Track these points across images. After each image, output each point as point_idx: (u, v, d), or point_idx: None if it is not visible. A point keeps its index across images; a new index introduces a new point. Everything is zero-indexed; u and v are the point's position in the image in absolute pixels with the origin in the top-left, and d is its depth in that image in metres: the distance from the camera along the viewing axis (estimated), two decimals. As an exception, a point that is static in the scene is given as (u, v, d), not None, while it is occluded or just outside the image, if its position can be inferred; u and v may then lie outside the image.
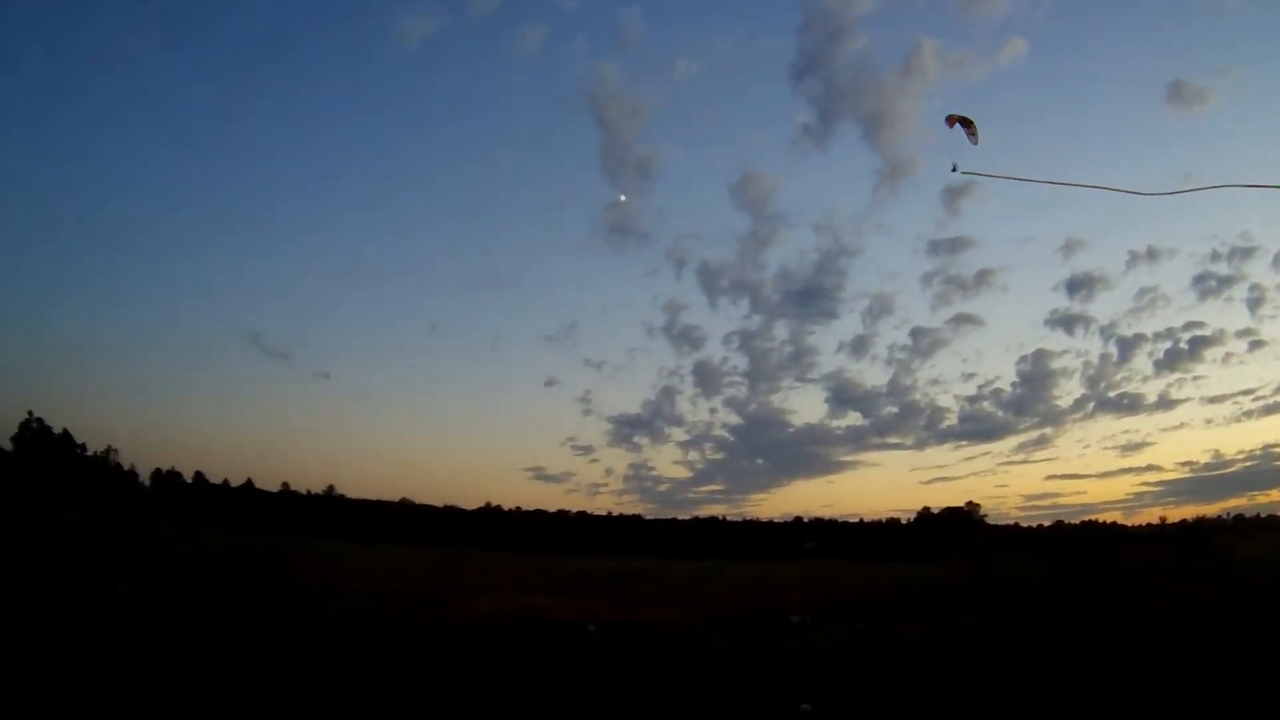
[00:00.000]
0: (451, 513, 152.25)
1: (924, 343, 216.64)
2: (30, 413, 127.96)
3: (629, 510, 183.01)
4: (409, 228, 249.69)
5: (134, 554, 37.46)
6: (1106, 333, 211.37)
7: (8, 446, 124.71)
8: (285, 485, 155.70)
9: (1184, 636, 21.65)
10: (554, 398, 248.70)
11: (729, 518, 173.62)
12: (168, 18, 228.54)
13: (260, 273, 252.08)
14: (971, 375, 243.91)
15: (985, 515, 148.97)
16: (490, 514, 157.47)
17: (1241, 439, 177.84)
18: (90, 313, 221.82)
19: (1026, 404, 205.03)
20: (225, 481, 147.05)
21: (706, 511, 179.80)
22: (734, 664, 19.61)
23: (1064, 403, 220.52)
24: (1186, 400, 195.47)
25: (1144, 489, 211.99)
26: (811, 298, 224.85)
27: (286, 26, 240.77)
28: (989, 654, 19.93)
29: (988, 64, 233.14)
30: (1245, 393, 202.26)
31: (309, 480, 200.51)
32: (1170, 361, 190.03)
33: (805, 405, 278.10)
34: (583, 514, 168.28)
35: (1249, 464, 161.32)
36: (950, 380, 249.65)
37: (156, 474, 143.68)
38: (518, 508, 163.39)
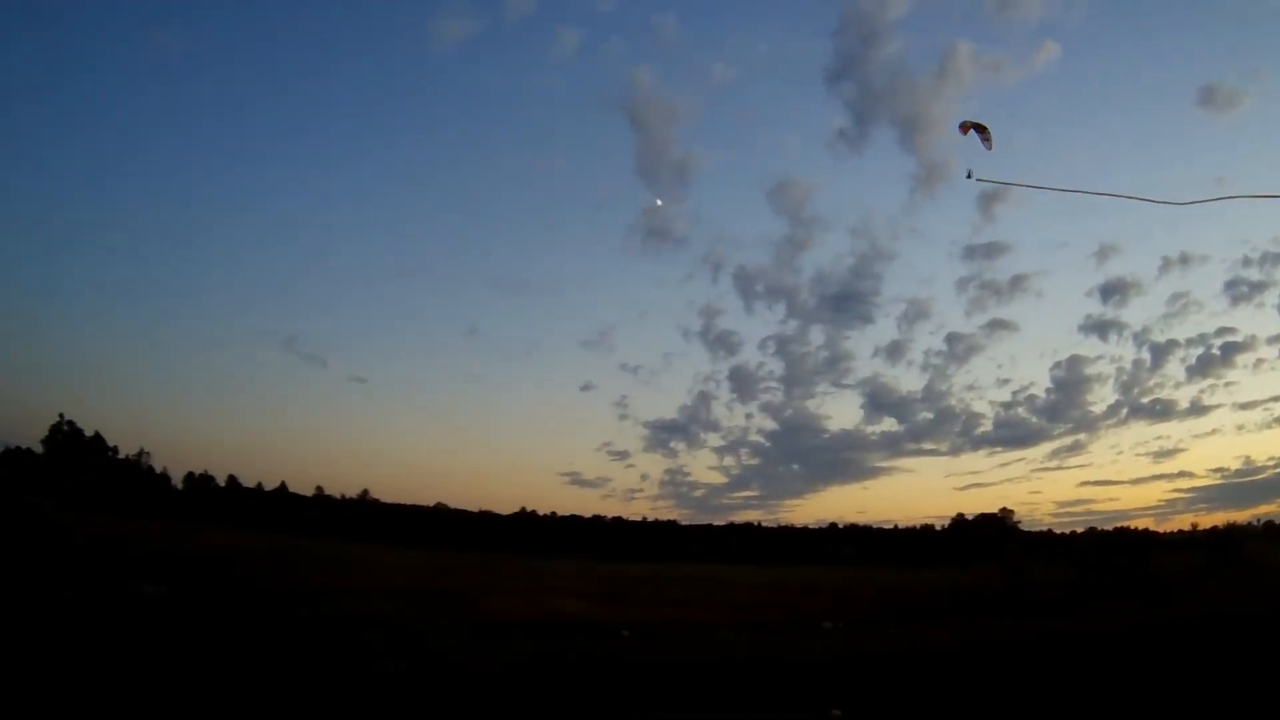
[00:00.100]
0: (487, 517, 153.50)
1: (959, 348, 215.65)
2: (61, 415, 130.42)
3: (664, 516, 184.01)
4: (444, 232, 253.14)
5: (163, 557, 37.53)
6: (1140, 338, 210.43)
7: (38, 449, 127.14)
8: (319, 489, 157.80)
9: (1205, 642, 21.63)
10: (590, 402, 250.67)
11: (764, 523, 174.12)
12: (205, 25, 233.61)
13: (296, 277, 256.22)
14: (1006, 381, 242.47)
15: (1019, 522, 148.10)
16: (525, 519, 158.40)
17: (1273, 445, 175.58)
18: (125, 316, 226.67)
19: (1060, 410, 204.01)
20: (259, 485, 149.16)
21: (742, 517, 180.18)
22: (765, 668, 19.88)
23: (1097, 409, 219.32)
24: (1218, 406, 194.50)
25: (1176, 495, 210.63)
26: (847, 302, 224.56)
27: (324, 31, 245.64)
28: (1017, 659, 20.07)
29: (1023, 67, 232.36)
30: (1276, 399, 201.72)
31: (343, 484, 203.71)
32: (1202, 367, 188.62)
33: (841, 411, 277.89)
34: (618, 519, 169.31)
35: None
36: (985, 386, 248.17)
37: (189, 477, 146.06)
38: (553, 513, 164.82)
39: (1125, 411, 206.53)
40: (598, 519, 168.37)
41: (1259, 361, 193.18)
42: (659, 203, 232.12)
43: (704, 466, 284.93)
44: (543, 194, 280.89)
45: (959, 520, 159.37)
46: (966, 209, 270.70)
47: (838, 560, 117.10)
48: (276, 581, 34.82)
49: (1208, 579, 50.45)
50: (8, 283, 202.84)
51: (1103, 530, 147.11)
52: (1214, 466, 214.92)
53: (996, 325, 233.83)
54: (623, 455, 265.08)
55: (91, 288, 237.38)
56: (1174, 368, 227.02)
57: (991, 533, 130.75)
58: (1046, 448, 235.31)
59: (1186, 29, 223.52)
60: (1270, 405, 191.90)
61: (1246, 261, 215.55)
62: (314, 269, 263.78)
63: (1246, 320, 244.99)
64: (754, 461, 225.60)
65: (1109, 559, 60.04)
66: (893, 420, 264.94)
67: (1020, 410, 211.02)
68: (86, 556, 33.96)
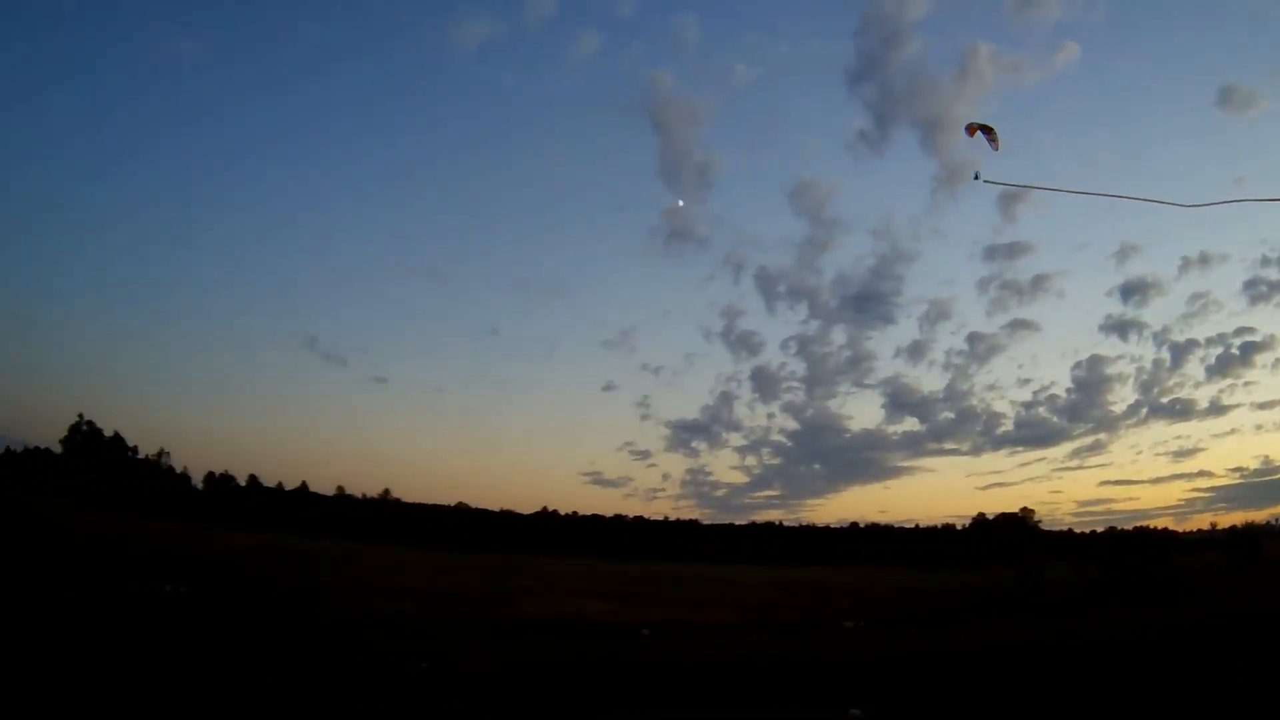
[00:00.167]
0: (508, 517, 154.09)
1: (980, 348, 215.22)
2: (80, 415, 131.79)
3: (686, 515, 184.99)
4: (466, 232, 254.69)
5: (182, 557, 38.02)
6: (1159, 338, 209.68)
7: (56, 449, 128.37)
8: (340, 489, 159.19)
9: (1219, 641, 21.67)
10: (612, 402, 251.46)
11: (785, 523, 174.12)
12: (224, 25, 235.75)
13: (317, 277, 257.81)
14: (1027, 381, 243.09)
15: (1039, 522, 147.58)
16: (547, 519, 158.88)
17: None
18: (144, 316, 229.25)
19: (1081, 410, 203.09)
20: (279, 485, 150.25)
21: (763, 517, 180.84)
22: (785, 667, 20.07)
23: (1118, 408, 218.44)
24: (1237, 406, 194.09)
25: (1195, 495, 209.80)
26: (869, 303, 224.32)
27: (344, 33, 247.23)
28: (1033, 660, 20.23)
29: (1042, 68, 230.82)
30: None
31: (364, 484, 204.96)
32: (1221, 367, 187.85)
33: (862, 411, 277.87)
34: (639, 519, 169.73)
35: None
36: (1006, 386, 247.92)
37: (209, 477, 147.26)
38: (574, 512, 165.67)
39: (1145, 411, 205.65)
40: (619, 519, 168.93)
41: (1278, 361, 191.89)
42: (680, 204, 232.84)
43: (725, 466, 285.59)
44: (564, 195, 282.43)
45: (980, 520, 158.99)
46: (987, 210, 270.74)
47: (858, 560, 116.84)
48: (296, 582, 35.21)
49: (1226, 578, 50.25)
50: (27, 283, 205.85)
51: (1122, 530, 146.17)
52: (1233, 466, 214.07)
53: (1017, 325, 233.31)
54: (644, 455, 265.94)
55: (111, 288, 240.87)
56: (1193, 367, 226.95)
57: (1012, 533, 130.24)
58: (1067, 447, 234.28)
59: (1205, 29, 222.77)
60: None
61: (1265, 261, 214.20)
62: (335, 269, 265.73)
63: (1266, 320, 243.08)
64: (775, 461, 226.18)
65: (1127, 559, 59.91)
66: (914, 420, 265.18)
67: (1041, 410, 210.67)
68: (102, 557, 34.29)
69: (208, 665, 15.21)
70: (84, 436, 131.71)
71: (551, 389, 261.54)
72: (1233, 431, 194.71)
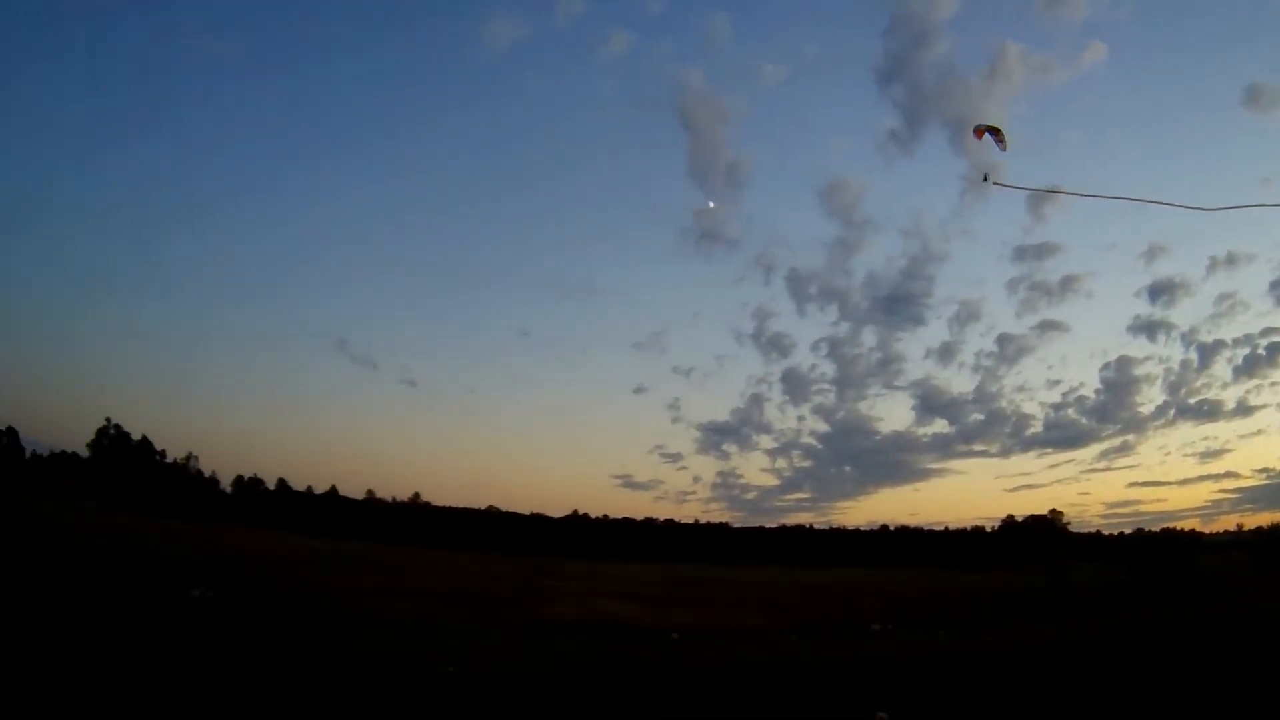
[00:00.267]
0: (538, 520, 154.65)
1: (1010, 349, 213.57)
2: (108, 419, 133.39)
3: (716, 518, 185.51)
4: (496, 234, 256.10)
5: (209, 560, 38.37)
6: (1187, 339, 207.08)
7: (84, 453, 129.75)
8: (370, 492, 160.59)
9: (1243, 642, 21.62)
10: (642, 405, 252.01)
11: (815, 526, 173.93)
12: (257, 29, 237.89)
13: (347, 280, 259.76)
14: (1056, 382, 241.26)
15: (1068, 523, 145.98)
16: (577, 521, 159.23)
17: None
18: (173, 320, 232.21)
19: (1110, 411, 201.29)
20: (309, 488, 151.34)
21: (793, 520, 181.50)
22: (813, 669, 20.39)
23: (1146, 410, 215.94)
24: (1264, 406, 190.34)
25: (1222, 496, 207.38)
26: (899, 304, 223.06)
27: (374, 32, 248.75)
28: (1060, 661, 20.34)
29: (1070, 68, 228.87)
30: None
31: (394, 488, 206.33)
32: (1249, 368, 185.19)
33: (892, 413, 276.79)
34: (670, 521, 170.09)
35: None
36: (1035, 387, 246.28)
37: (238, 480, 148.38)
38: (605, 515, 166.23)
39: (1173, 412, 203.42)
40: (650, 521, 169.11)
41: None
42: (711, 205, 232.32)
43: (756, 469, 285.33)
44: (594, 196, 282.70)
45: (1009, 522, 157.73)
46: (1017, 210, 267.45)
47: (888, 562, 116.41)
48: (324, 585, 35.48)
49: (1252, 579, 49.78)
50: (55, 288, 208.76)
51: (1150, 532, 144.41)
52: (1260, 467, 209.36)
53: (1047, 326, 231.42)
54: (675, 458, 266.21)
55: (139, 292, 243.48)
56: (1221, 368, 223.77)
57: (1041, 535, 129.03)
58: (1096, 449, 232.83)
59: (1231, 29, 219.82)
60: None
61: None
62: (365, 271, 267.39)
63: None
64: (806, 463, 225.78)
65: (1155, 560, 59.55)
66: (944, 422, 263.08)
67: (1070, 411, 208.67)
68: (127, 559, 34.40)
69: (236, 669, 15.36)
70: (111, 440, 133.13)
71: (582, 391, 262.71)
72: (1259, 432, 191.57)
